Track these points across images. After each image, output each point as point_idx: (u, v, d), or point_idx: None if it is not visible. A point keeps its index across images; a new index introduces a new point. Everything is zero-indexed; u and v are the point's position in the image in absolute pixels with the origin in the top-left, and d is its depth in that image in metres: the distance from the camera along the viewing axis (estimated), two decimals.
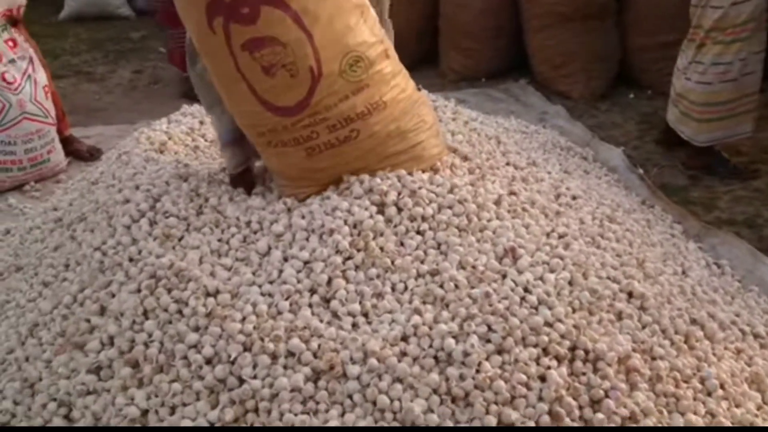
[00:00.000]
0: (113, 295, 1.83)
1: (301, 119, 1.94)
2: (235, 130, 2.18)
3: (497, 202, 2.04)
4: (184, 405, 1.58)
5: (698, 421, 1.61)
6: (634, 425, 1.56)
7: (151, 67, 5.03)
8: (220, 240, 1.97)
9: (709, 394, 1.70)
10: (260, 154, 2.16)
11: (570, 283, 1.82)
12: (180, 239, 1.97)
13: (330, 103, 1.92)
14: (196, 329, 1.69)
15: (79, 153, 3.57)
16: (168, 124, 3.03)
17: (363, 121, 1.97)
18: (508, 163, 2.38)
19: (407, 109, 2.05)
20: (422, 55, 4.54)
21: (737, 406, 1.71)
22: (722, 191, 3.12)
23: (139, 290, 1.79)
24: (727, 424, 1.64)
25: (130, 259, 1.91)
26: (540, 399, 1.57)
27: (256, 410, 1.57)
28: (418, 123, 2.07)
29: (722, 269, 2.46)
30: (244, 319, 1.70)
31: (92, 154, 3.55)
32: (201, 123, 3.03)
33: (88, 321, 1.79)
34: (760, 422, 1.68)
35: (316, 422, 1.52)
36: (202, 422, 1.55)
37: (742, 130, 3.17)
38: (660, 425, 1.57)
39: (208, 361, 1.64)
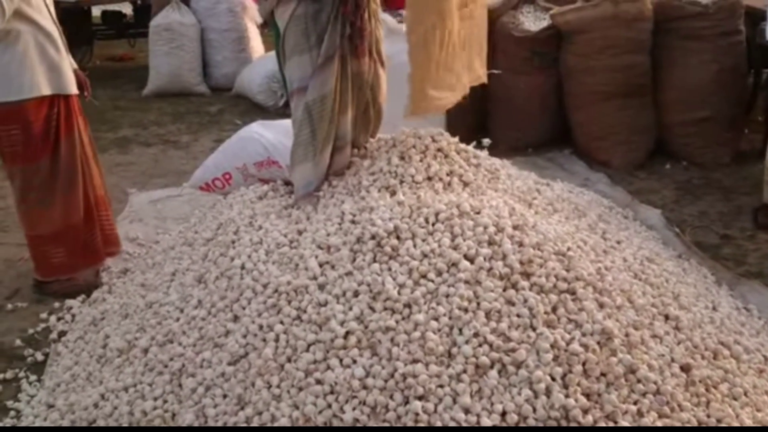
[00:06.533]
0: (243, 307, 2.26)
1: None
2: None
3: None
4: (307, 390, 1.97)
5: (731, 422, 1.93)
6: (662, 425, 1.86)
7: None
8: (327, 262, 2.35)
9: (735, 399, 2.04)
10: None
11: (618, 307, 2.18)
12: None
13: None
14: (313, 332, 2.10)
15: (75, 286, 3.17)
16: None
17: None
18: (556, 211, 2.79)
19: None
20: (476, 128, 4.99)
21: (758, 410, 2.04)
22: (751, 249, 3.47)
23: (265, 302, 2.22)
24: (749, 423, 1.97)
25: (254, 280, 2.34)
26: None
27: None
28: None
29: (750, 312, 2.80)
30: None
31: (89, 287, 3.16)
32: None
33: (225, 326, 2.22)
34: None
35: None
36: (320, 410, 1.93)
37: None
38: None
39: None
